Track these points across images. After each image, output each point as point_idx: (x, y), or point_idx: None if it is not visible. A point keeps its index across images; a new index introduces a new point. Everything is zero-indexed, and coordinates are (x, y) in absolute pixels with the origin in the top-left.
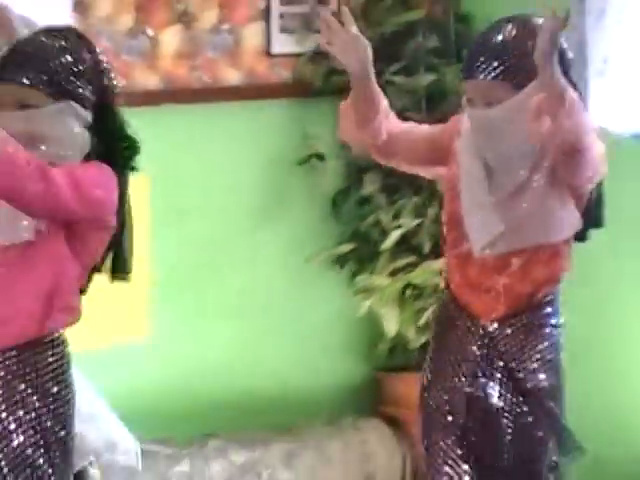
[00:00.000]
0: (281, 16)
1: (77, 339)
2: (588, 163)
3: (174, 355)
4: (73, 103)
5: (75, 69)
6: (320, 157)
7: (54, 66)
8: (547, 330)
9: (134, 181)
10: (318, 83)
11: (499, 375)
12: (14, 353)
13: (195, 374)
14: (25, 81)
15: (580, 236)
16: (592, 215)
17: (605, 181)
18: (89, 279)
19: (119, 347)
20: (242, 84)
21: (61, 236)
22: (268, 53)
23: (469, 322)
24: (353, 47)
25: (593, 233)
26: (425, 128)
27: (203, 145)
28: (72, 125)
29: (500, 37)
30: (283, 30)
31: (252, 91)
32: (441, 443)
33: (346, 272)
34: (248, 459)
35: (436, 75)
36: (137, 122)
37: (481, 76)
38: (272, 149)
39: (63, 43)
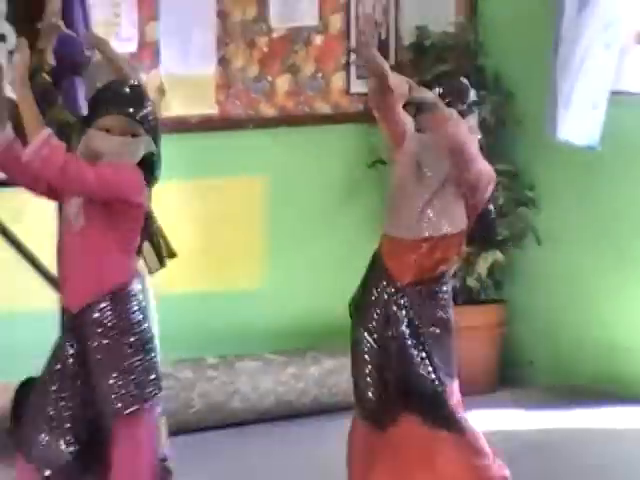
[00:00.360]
0: (357, 68)
1: (202, 282)
2: (473, 161)
3: (283, 301)
4: (148, 137)
5: (153, 113)
6: (383, 162)
7: (148, 109)
8: (440, 295)
9: (261, 178)
10: None
11: (405, 321)
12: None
13: (302, 317)
14: (138, 118)
15: (479, 239)
16: (486, 226)
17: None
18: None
19: (237, 293)
20: (330, 113)
21: (103, 222)
22: (348, 92)
23: (387, 279)
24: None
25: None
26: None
27: (305, 153)
28: (142, 151)
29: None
30: (358, 77)
31: (337, 118)
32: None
33: None
34: (335, 365)
35: None
36: (261, 139)
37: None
38: (351, 157)
39: (146, 91)
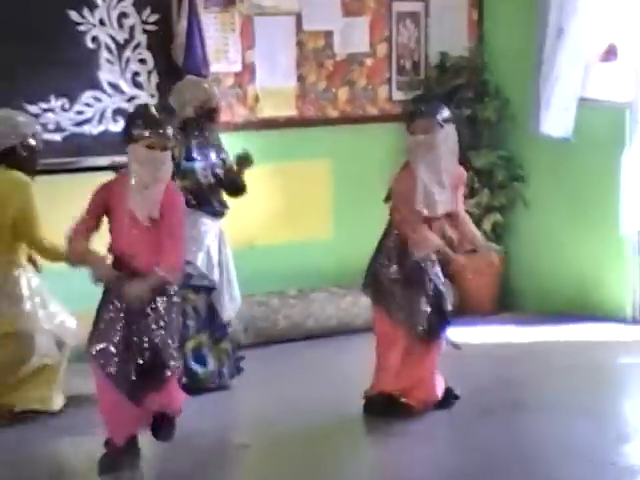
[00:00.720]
0: (397, 81)
1: (286, 235)
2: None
3: (344, 249)
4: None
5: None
6: None
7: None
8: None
9: (326, 161)
10: None
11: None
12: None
13: (358, 260)
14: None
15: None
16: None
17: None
18: None
19: (306, 243)
20: (377, 115)
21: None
22: (390, 99)
23: (400, 244)
24: None
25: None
26: None
27: (359, 143)
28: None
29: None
30: (398, 89)
31: (382, 118)
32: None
33: None
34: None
35: (471, 110)
36: (327, 133)
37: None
38: (391, 146)
39: None
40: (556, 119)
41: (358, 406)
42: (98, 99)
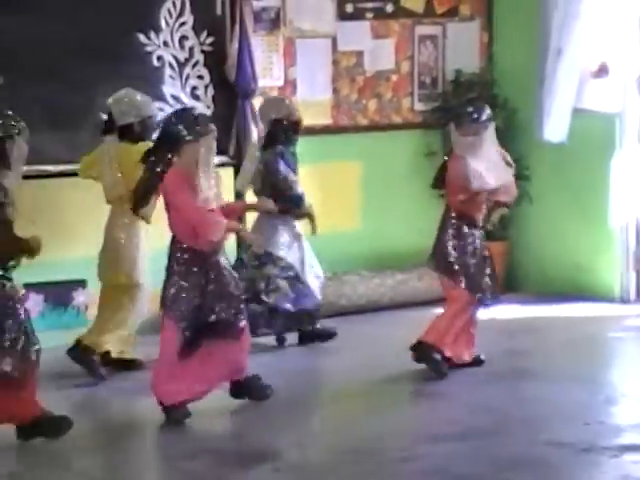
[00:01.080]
0: (418, 94)
1: (321, 226)
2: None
3: (372, 238)
4: None
5: None
6: (434, 153)
7: None
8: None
9: (357, 163)
10: (433, 121)
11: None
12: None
13: (383, 247)
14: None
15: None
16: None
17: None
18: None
19: (339, 233)
20: (401, 123)
21: None
22: (412, 110)
23: (459, 223)
24: None
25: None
26: None
27: (385, 147)
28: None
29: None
30: (419, 100)
31: (406, 126)
32: None
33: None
34: (403, 277)
35: None
36: (358, 138)
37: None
38: (414, 150)
39: None
40: (555, 126)
41: (387, 371)
42: (162, 109)
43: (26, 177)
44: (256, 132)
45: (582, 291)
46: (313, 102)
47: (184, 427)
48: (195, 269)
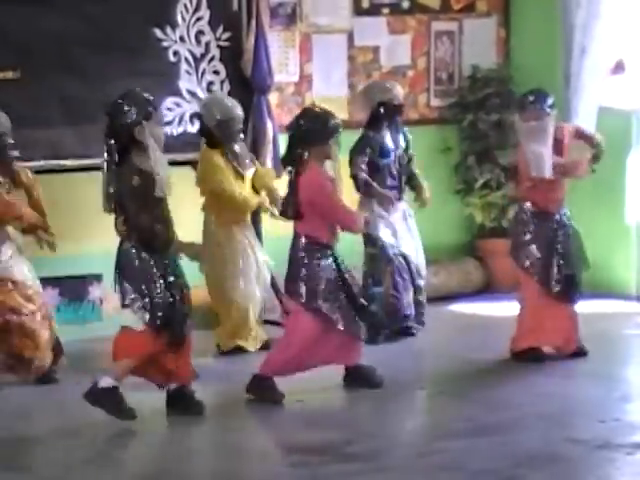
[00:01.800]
0: (435, 90)
1: None
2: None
3: None
4: None
5: None
6: (450, 149)
7: None
8: None
9: None
10: (449, 117)
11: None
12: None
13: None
14: None
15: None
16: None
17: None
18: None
19: None
20: (418, 118)
21: None
22: (429, 105)
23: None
24: None
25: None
26: None
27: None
28: None
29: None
30: (435, 96)
31: (422, 121)
32: None
33: (461, 197)
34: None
35: (499, 115)
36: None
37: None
38: (431, 145)
39: None
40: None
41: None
42: (178, 104)
43: (42, 172)
44: (271, 127)
45: (598, 288)
46: (329, 98)
47: None
48: None
